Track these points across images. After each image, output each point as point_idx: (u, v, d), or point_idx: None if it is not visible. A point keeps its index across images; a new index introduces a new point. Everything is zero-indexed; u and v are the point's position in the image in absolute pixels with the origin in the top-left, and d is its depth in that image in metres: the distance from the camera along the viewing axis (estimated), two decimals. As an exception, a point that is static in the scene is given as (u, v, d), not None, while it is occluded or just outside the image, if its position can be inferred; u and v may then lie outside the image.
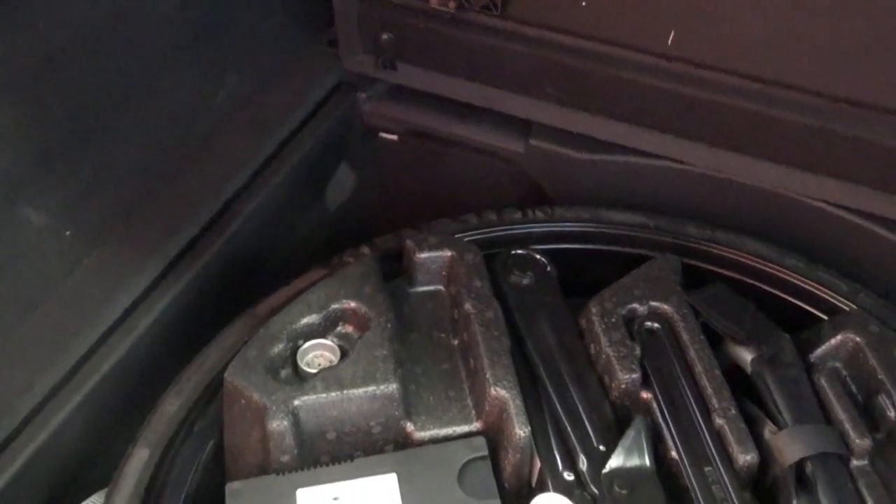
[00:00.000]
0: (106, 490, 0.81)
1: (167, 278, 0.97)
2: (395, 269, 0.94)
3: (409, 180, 1.26)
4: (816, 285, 0.94)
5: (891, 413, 0.80)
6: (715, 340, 0.87)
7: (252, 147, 1.11)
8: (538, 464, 0.78)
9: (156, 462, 0.79)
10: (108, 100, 0.95)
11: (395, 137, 1.23)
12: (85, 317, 0.90)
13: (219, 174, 1.07)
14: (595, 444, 0.78)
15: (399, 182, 1.27)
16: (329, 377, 0.80)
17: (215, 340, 0.89)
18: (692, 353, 0.83)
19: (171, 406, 0.84)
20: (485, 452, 0.79)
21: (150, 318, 0.94)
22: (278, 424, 0.77)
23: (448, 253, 0.91)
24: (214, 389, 0.85)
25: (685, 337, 0.85)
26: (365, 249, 0.96)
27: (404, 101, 1.20)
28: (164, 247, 0.99)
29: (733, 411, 0.79)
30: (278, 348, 0.83)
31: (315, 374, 0.81)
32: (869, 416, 0.82)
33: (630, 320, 0.87)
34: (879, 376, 0.82)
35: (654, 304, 0.87)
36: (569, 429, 0.79)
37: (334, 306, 0.86)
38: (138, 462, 0.79)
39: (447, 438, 0.81)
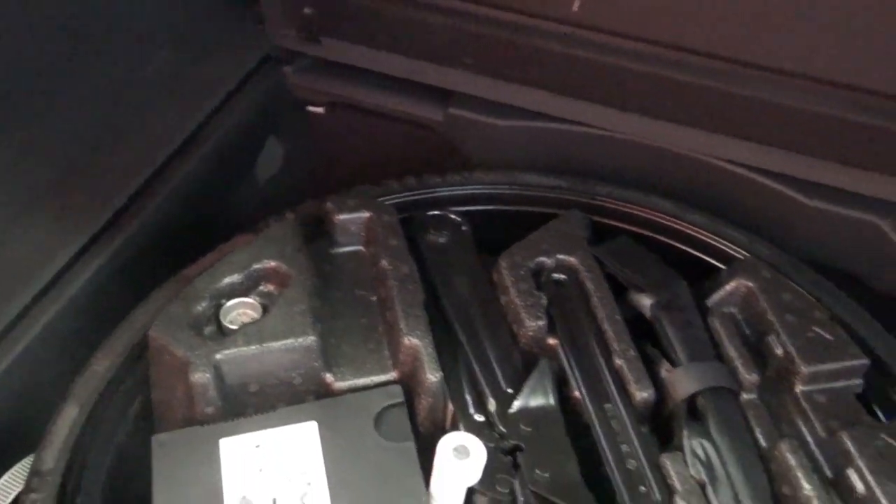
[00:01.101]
0: (31, 456, 0.84)
1: (97, 244, 0.99)
2: (320, 233, 0.97)
3: (337, 151, 1.29)
4: (717, 238, 0.99)
5: (779, 351, 0.85)
6: (619, 290, 0.91)
7: (180, 119, 1.13)
8: (451, 407, 0.82)
9: (84, 418, 0.82)
10: (36, 73, 0.97)
11: (321, 110, 1.26)
12: (15, 282, 0.92)
13: (148, 145, 1.09)
14: (504, 387, 0.82)
15: (328, 153, 1.30)
16: (250, 332, 0.83)
17: (143, 302, 0.92)
18: (595, 301, 0.87)
19: (100, 365, 0.86)
20: (401, 399, 0.82)
21: (80, 284, 0.96)
22: (200, 377, 0.80)
23: (366, 214, 0.94)
24: (142, 348, 0.87)
25: (589, 286, 0.89)
26: (289, 215, 0.99)
27: (330, 73, 1.22)
28: (94, 214, 1.00)
29: (632, 352, 0.83)
30: (202, 306, 0.85)
31: (237, 330, 0.84)
32: (760, 355, 0.87)
33: (538, 273, 0.91)
34: (769, 318, 0.87)
35: (560, 256, 0.91)
36: (479, 374, 0.83)
37: (256, 266, 0.89)
38: (67, 419, 0.82)
39: (366, 388, 0.84)
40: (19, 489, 0.86)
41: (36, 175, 0.98)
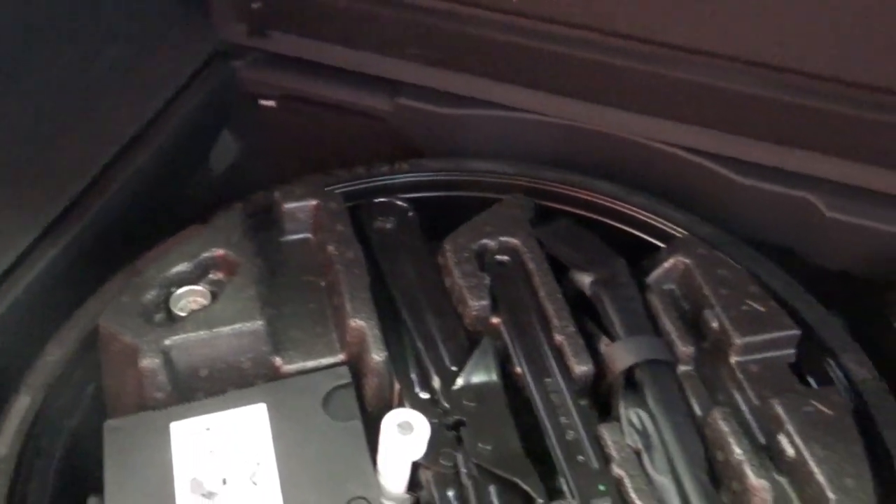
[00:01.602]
0: None
1: (50, 236, 1.00)
2: (269, 223, 0.98)
3: (290, 144, 1.30)
4: (656, 218, 1.02)
5: (714, 324, 0.88)
6: (560, 271, 0.93)
7: (132, 114, 1.14)
8: (397, 386, 0.84)
9: (37, 407, 0.83)
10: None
11: (272, 103, 1.27)
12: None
13: (99, 139, 1.10)
14: (448, 365, 0.84)
15: (281, 146, 1.31)
16: (199, 318, 0.84)
17: (95, 293, 0.93)
18: (537, 280, 0.90)
19: (52, 356, 0.87)
20: (348, 380, 0.84)
21: (33, 275, 0.96)
22: (150, 362, 0.81)
23: (313, 202, 0.96)
24: (94, 338, 0.88)
25: (531, 266, 0.91)
26: (237, 205, 1.00)
27: (280, 67, 1.24)
28: (47, 207, 1.01)
29: (572, 328, 0.85)
30: (151, 295, 0.87)
31: (186, 317, 0.85)
32: (697, 329, 0.89)
33: (481, 254, 0.93)
34: (705, 292, 0.89)
35: (503, 239, 0.94)
36: (424, 353, 0.85)
37: (205, 255, 0.90)
38: (20, 408, 0.83)
39: (314, 370, 0.86)
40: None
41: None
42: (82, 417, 0.85)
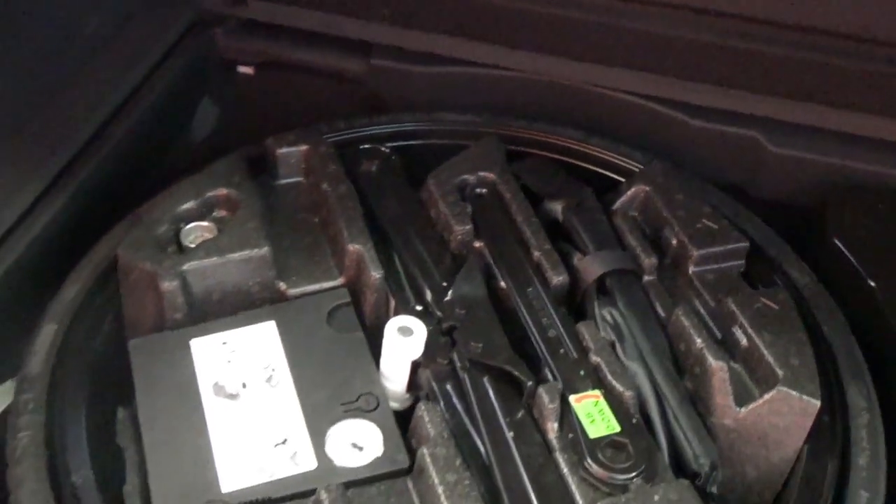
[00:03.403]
0: (12, 379, 0.96)
1: (42, 200, 1.10)
2: (262, 170, 1.10)
3: (269, 108, 1.42)
4: (617, 156, 1.16)
5: (673, 241, 1.02)
6: (534, 202, 1.07)
7: (116, 81, 1.25)
8: (393, 302, 0.97)
9: (63, 331, 0.94)
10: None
11: (250, 70, 1.40)
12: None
13: (86, 106, 1.21)
14: (439, 281, 0.98)
15: (260, 111, 1.43)
16: (210, 246, 0.97)
17: (104, 237, 1.04)
18: (514, 208, 1.04)
19: (70, 291, 0.98)
20: (348, 300, 0.97)
21: (34, 232, 1.07)
22: (169, 285, 0.93)
23: (304, 147, 1.09)
24: (107, 275, 1.00)
25: (508, 196, 1.05)
26: (236, 153, 1.12)
27: (257, 34, 1.36)
28: (43, 167, 1.12)
29: (548, 246, 0.99)
30: (163, 229, 0.99)
31: (197, 247, 0.98)
32: (658, 248, 1.04)
33: (462, 188, 1.06)
34: (664, 214, 1.04)
35: (482, 173, 1.07)
36: (416, 273, 0.99)
37: (209, 193, 1.02)
38: (47, 333, 0.94)
39: (316, 293, 0.99)
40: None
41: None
42: (104, 341, 0.96)
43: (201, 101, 1.40)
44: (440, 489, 0.78)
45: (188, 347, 0.93)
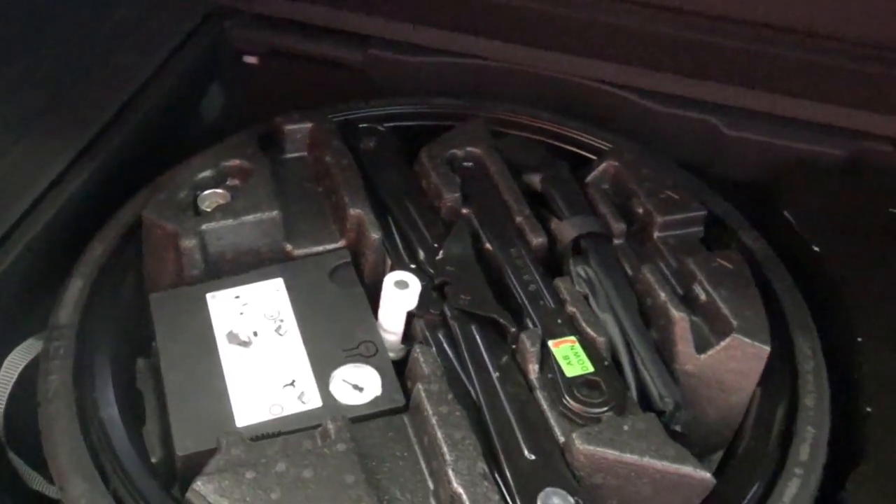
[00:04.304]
0: (38, 335, 0.96)
1: (72, 170, 1.11)
2: (270, 145, 1.11)
3: (272, 95, 1.43)
4: (590, 137, 1.18)
5: (640, 210, 1.04)
6: (517, 175, 1.09)
7: (138, 65, 1.26)
8: (389, 262, 0.98)
9: (90, 286, 0.95)
10: (19, 24, 1.10)
11: (255, 59, 1.41)
12: (16, 191, 1.04)
13: (110, 88, 1.22)
14: (431, 243, 0.99)
15: (265, 97, 1.43)
16: (225, 209, 0.98)
17: (127, 203, 1.05)
18: (498, 179, 1.05)
19: (96, 250, 0.99)
20: (348, 259, 0.99)
21: (66, 196, 1.08)
22: (189, 243, 0.94)
23: (309, 124, 1.10)
24: (130, 237, 1.01)
25: (493, 169, 1.07)
26: (247, 129, 1.13)
27: (263, 26, 1.37)
28: (72, 141, 1.13)
29: (528, 212, 1.01)
30: (183, 194, 1.00)
31: (213, 211, 0.98)
32: (626, 215, 1.05)
33: (451, 161, 1.08)
34: (631, 186, 1.06)
35: (469, 148, 1.09)
36: (411, 236, 1.00)
37: (224, 164, 1.03)
38: (75, 288, 0.95)
39: (319, 254, 1.00)
40: (23, 364, 0.98)
41: (24, 106, 1.11)
42: (127, 296, 0.97)
43: (211, 86, 1.41)
44: (434, 419, 0.79)
45: (204, 300, 0.94)
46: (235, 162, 1.04)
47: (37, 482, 0.94)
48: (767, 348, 0.88)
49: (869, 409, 0.88)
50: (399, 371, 0.89)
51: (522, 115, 1.21)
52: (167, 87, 1.29)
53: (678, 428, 0.87)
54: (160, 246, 0.96)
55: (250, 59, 1.41)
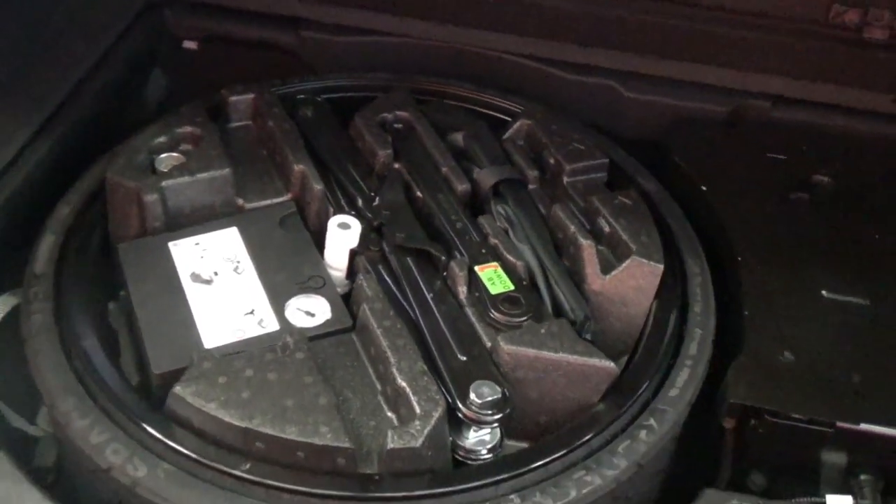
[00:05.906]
0: (11, 292, 1.07)
1: (25, 153, 1.21)
2: (215, 117, 1.24)
3: (212, 78, 1.53)
4: (507, 102, 1.33)
5: (551, 160, 1.20)
6: (441, 135, 1.24)
7: (82, 54, 1.37)
8: (331, 210, 1.12)
9: (61, 240, 1.06)
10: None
11: (194, 45, 1.53)
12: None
13: (60, 73, 1.33)
14: (367, 193, 1.13)
15: (204, 81, 1.55)
16: (181, 168, 1.10)
17: (88, 170, 1.17)
18: (425, 136, 1.20)
19: (63, 211, 1.11)
20: (294, 209, 1.12)
21: (22, 175, 1.18)
22: (150, 198, 1.06)
23: (251, 95, 1.23)
24: (93, 199, 1.12)
25: (420, 129, 1.21)
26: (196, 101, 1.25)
27: (200, 12, 1.49)
28: (29, 119, 1.23)
29: (453, 163, 1.16)
30: (141, 157, 1.12)
31: (170, 170, 1.11)
32: (539, 166, 1.21)
33: (382, 124, 1.22)
34: (543, 140, 1.21)
35: (398, 112, 1.24)
36: (349, 187, 1.14)
37: (177, 130, 1.16)
38: (48, 242, 1.06)
39: (268, 207, 1.13)
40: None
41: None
42: (96, 250, 1.09)
43: (154, 70, 1.53)
44: (378, 331, 0.93)
45: (167, 248, 1.06)
46: (187, 129, 1.16)
47: (16, 420, 1.05)
48: (661, 266, 1.04)
49: (746, 313, 1.06)
50: (345, 302, 1.02)
51: (445, 85, 1.36)
52: (113, 71, 1.40)
53: (588, 337, 1.03)
54: (124, 203, 1.08)
55: (190, 45, 1.53)
